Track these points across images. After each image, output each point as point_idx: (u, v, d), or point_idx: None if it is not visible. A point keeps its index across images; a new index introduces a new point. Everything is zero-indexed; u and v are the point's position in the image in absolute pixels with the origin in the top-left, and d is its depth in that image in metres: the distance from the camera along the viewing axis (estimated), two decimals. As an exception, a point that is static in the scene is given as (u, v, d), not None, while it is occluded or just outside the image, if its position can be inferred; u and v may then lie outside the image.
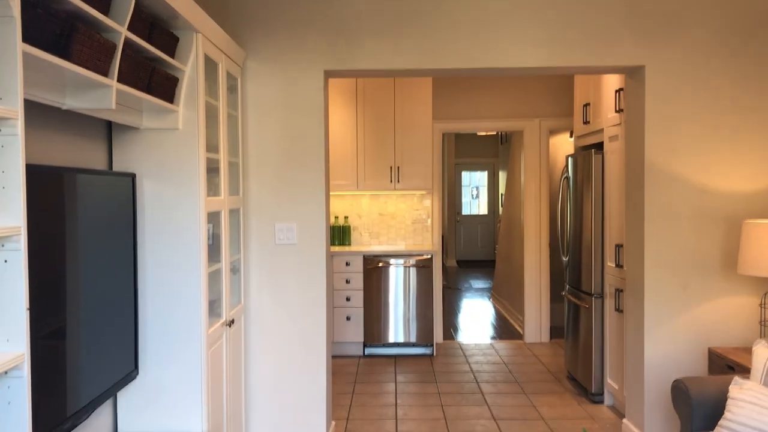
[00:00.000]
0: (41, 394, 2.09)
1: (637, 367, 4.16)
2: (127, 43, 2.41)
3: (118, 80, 2.36)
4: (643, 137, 4.04)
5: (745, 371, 3.46)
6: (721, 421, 2.93)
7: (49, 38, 1.94)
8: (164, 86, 2.84)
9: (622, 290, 4.60)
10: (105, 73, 2.26)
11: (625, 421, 4.37)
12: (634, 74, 4.15)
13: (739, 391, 2.95)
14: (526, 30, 3.98)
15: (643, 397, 4.08)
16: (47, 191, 2.22)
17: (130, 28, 2.39)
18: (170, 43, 2.90)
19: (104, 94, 2.30)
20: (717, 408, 3.10)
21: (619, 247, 4.64)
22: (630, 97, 4.24)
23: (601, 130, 5.03)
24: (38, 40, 1.88)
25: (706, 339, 4.04)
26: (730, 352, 3.80)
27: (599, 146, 5.18)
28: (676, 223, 4.03)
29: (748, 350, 3.80)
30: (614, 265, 4.72)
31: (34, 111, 2.30)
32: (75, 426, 2.44)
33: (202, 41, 3.09)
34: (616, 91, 4.62)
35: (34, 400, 1.93)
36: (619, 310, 4.66)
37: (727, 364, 3.69)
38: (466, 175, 14.62)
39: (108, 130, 3.05)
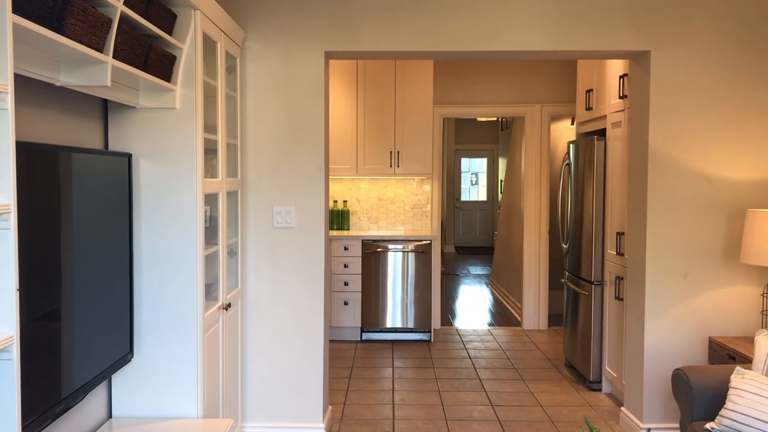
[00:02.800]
0: (33, 377, 2.06)
1: (637, 356, 4.13)
2: (123, 18, 2.34)
3: (114, 56, 2.30)
4: (647, 124, 3.98)
5: (746, 361, 3.44)
6: (723, 411, 2.91)
7: (41, 11, 1.88)
8: (161, 64, 2.78)
9: (622, 278, 4.56)
10: (100, 48, 2.20)
11: (623, 409, 4.34)
12: (639, 60, 4.08)
13: (741, 381, 2.92)
14: (530, 13, 3.91)
15: (642, 385, 4.06)
16: (41, 170, 2.17)
17: (126, 3, 2.33)
18: (168, 19, 2.83)
19: (99, 71, 2.24)
20: (718, 398, 3.08)
21: (620, 234, 4.60)
22: (635, 83, 4.18)
23: (604, 117, 4.97)
24: (30, 12, 1.82)
25: (706, 328, 4.01)
26: (731, 341, 3.77)
27: (601, 133, 5.12)
28: (678, 211, 3.99)
29: (749, 340, 3.78)
30: (615, 253, 4.68)
31: (28, 87, 2.25)
32: (68, 408, 2.40)
33: (201, 19, 3.03)
34: (620, 77, 4.55)
35: (26, 382, 1.89)
36: (619, 297, 4.63)
37: (728, 354, 3.67)
38: (465, 162, 14.56)
39: (104, 109, 2.99)
